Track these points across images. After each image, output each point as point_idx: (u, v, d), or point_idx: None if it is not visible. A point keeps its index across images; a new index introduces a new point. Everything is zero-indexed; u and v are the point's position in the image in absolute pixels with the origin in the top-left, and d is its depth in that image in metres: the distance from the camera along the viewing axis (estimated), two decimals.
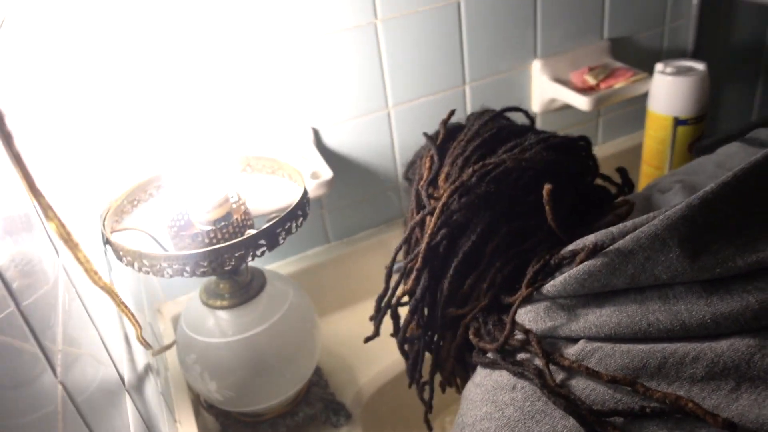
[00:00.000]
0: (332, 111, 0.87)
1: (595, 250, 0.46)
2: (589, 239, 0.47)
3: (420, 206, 0.59)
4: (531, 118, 0.68)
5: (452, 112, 0.64)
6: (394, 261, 0.59)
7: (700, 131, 0.90)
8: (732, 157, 0.60)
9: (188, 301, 0.75)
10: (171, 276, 0.60)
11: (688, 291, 0.43)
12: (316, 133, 0.87)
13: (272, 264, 0.93)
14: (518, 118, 0.66)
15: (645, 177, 0.96)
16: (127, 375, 0.52)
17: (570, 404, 0.41)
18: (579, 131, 1.07)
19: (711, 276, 0.42)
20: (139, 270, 0.61)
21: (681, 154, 0.91)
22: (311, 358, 0.77)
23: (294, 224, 0.64)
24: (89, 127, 0.74)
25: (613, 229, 0.47)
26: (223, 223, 0.65)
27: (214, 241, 0.64)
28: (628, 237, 0.44)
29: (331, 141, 0.89)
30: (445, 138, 0.62)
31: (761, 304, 0.40)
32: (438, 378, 0.64)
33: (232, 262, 0.60)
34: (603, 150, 1.09)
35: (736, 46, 1.12)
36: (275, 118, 0.84)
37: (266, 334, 0.71)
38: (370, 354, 0.88)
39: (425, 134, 0.64)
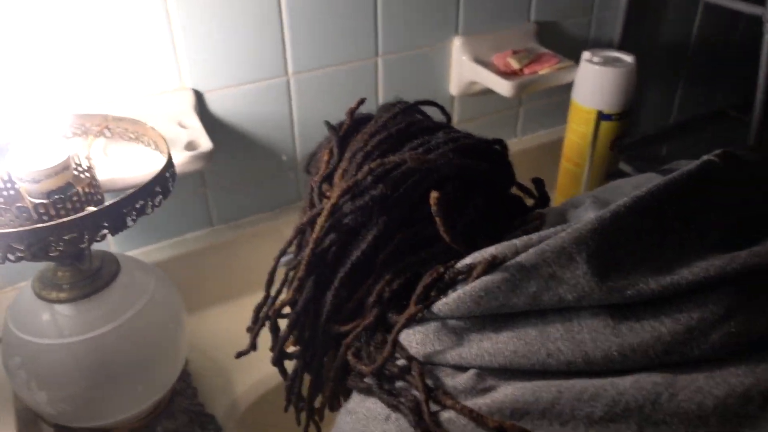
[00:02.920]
0: (219, 72, 0.74)
1: (493, 264, 0.41)
2: (488, 251, 0.43)
3: (312, 205, 0.52)
4: (448, 114, 0.62)
5: (361, 101, 0.56)
6: (276, 266, 0.52)
7: (623, 128, 0.84)
8: (651, 182, 0.55)
9: (20, 291, 0.61)
10: None
11: (593, 317, 0.38)
12: (198, 96, 0.74)
13: (140, 249, 0.79)
14: (435, 114, 0.59)
15: (565, 174, 0.89)
16: None
17: None
18: (499, 119, 1.01)
19: (621, 298, 0.38)
20: None
21: (603, 151, 0.84)
22: (174, 363, 0.65)
23: (149, 203, 0.52)
24: None
25: (517, 241, 0.43)
26: (58, 196, 0.52)
27: (45, 218, 0.51)
28: (531, 250, 0.40)
29: (217, 108, 0.76)
30: (350, 129, 0.55)
31: (674, 336, 0.36)
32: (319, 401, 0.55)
33: (60, 246, 0.47)
34: (522, 143, 1.02)
35: (661, 40, 1.07)
36: (146, 74, 0.70)
37: (115, 334, 0.58)
38: (250, 358, 0.76)
39: (327, 123, 0.56)
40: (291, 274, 0.50)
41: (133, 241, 0.78)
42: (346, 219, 0.47)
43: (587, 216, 0.45)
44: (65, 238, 0.47)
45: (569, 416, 0.36)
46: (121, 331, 0.58)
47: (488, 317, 0.41)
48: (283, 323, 0.51)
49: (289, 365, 0.54)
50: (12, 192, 0.57)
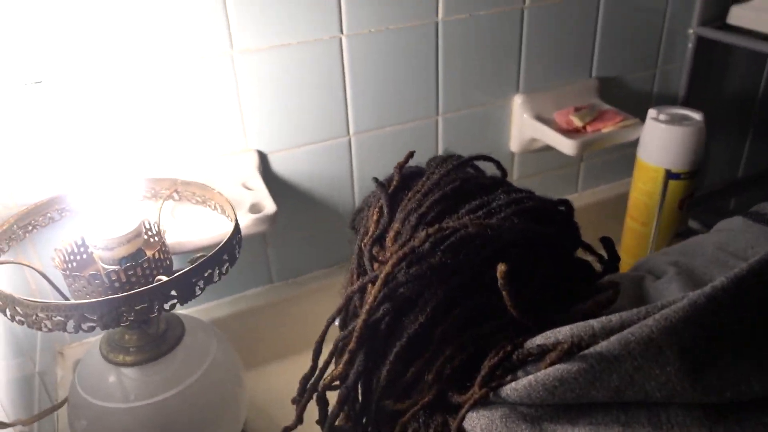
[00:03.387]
0: (282, 134, 0.75)
1: (570, 351, 0.37)
2: (564, 333, 0.39)
3: (361, 269, 0.49)
4: (503, 170, 0.58)
5: (410, 155, 0.54)
6: (324, 335, 0.48)
7: (693, 186, 0.81)
8: (736, 238, 0.51)
9: (87, 351, 0.62)
10: (51, 330, 0.47)
11: (686, 415, 0.35)
12: (262, 157, 0.75)
13: (200, 306, 0.80)
14: (489, 168, 0.56)
15: (630, 233, 0.86)
16: None
17: None
18: (560, 175, 0.99)
19: (718, 400, 0.34)
20: (12, 319, 0.48)
21: (671, 210, 0.82)
22: (234, 424, 0.64)
23: (217, 272, 0.52)
24: None
25: (595, 323, 0.38)
26: (130, 264, 0.53)
27: (116, 285, 0.52)
28: (614, 339, 0.36)
29: (280, 168, 0.77)
30: (400, 186, 0.52)
31: None
32: None
33: (131, 316, 0.48)
34: (583, 198, 1.00)
35: (728, 95, 1.04)
36: (213, 137, 0.72)
37: (179, 398, 0.58)
38: (309, 417, 0.76)
39: (375, 179, 0.54)
40: (340, 344, 0.46)
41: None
42: (401, 288, 0.44)
43: (672, 291, 0.42)
44: (137, 308, 0.47)
45: None
46: (185, 394, 0.58)
47: (562, 406, 0.38)
48: (331, 395, 0.47)
49: None
50: (85, 256, 0.58)
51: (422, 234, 0.44)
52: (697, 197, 0.97)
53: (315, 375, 0.48)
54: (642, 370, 0.35)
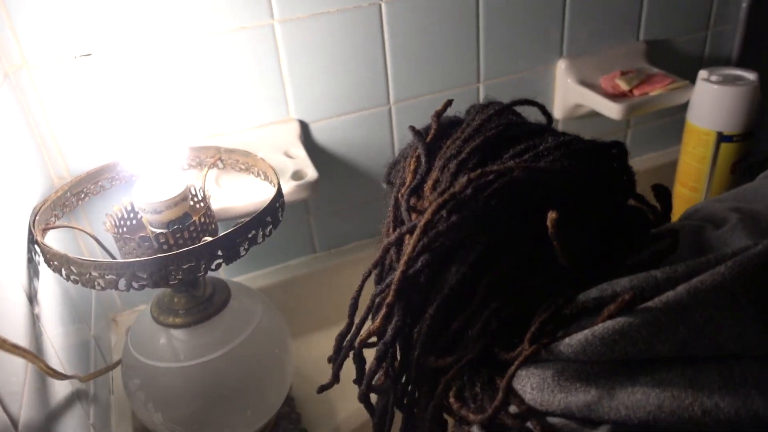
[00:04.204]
0: (324, 103, 0.75)
1: (632, 302, 0.34)
2: (622, 284, 0.36)
3: (398, 221, 0.46)
4: (548, 114, 0.54)
5: (449, 103, 0.50)
6: (361, 290, 0.46)
7: (746, 149, 0.78)
8: None
9: (139, 315, 0.64)
10: (103, 288, 0.49)
11: (763, 368, 0.32)
12: (304, 127, 0.76)
13: (247, 275, 0.81)
14: (533, 116, 0.53)
15: (679, 200, 0.84)
16: (27, 414, 0.41)
17: None
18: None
19: None
20: (68, 278, 0.50)
21: (723, 175, 0.79)
22: (280, 388, 0.66)
23: (261, 233, 0.53)
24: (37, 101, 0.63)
25: (657, 273, 0.35)
26: (177, 226, 0.54)
27: (165, 247, 0.53)
28: (681, 288, 0.33)
29: (321, 137, 0.77)
30: (438, 135, 0.49)
31: None
32: None
33: (179, 275, 0.49)
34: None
35: None
36: (256, 107, 0.72)
37: (226, 359, 0.60)
38: (352, 385, 0.76)
39: (412, 128, 0.50)
40: (377, 300, 0.44)
41: (239, 268, 0.81)
42: (441, 238, 0.41)
43: (737, 240, 0.38)
44: (184, 266, 0.49)
45: None
46: (232, 355, 0.60)
47: (621, 361, 0.35)
48: (368, 354, 0.46)
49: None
50: (134, 222, 0.60)
51: (463, 180, 0.41)
52: (750, 162, 0.93)
53: (351, 332, 0.46)
54: (713, 321, 0.32)
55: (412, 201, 0.46)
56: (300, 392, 0.77)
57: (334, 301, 0.85)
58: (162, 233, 0.53)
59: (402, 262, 0.41)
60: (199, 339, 0.60)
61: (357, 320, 0.45)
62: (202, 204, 0.60)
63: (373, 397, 0.48)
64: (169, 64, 0.66)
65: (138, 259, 0.48)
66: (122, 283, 0.49)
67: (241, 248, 0.52)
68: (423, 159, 0.47)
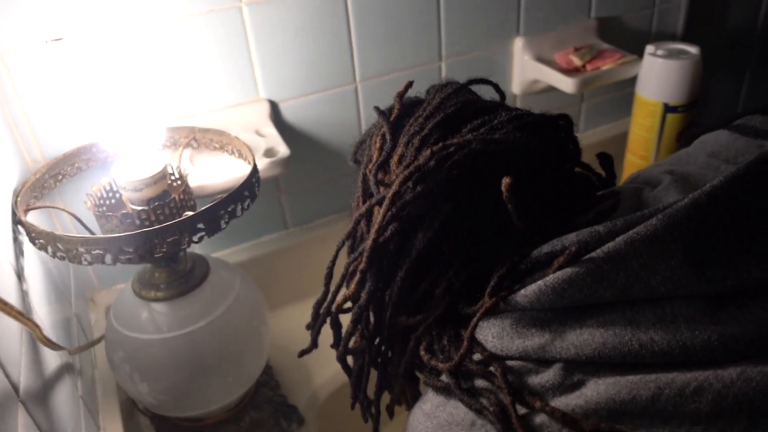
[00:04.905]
0: (292, 83, 0.78)
1: (578, 254, 0.38)
2: (570, 239, 0.40)
3: (367, 195, 0.49)
4: (501, 92, 0.57)
5: (409, 84, 0.54)
6: (335, 259, 0.49)
7: (690, 119, 0.84)
8: (727, 147, 0.51)
9: (120, 291, 0.66)
10: (90, 263, 0.51)
11: (689, 306, 0.35)
12: (273, 106, 0.78)
13: (222, 251, 0.84)
14: (488, 94, 0.56)
15: (630, 167, 0.89)
16: (26, 382, 0.43)
17: None
18: None
19: (720, 289, 0.35)
20: (54, 255, 0.52)
21: (669, 143, 0.84)
22: (259, 357, 0.69)
23: (239, 206, 0.56)
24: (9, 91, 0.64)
25: (600, 227, 0.39)
26: (157, 203, 0.56)
27: (146, 223, 0.56)
28: (619, 239, 0.37)
29: (290, 116, 0.80)
30: (401, 114, 0.51)
31: None
32: (386, 398, 0.54)
33: (163, 248, 0.52)
34: (585, 138, 1.02)
35: (726, 31, 1.06)
36: (226, 88, 0.74)
37: (207, 330, 0.62)
38: (327, 352, 0.80)
39: (376, 108, 0.53)
40: (351, 267, 0.47)
41: (215, 245, 0.83)
42: (408, 207, 0.44)
43: (670, 197, 0.42)
44: (168, 240, 0.51)
45: (672, 414, 0.33)
46: (212, 326, 0.63)
47: (570, 308, 0.38)
48: (344, 319, 0.49)
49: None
50: (114, 201, 0.62)
51: (427, 153, 0.44)
52: (695, 133, 0.99)
53: (327, 299, 0.49)
54: (648, 267, 0.36)
55: (380, 175, 0.48)
56: (277, 361, 0.80)
57: (307, 275, 0.89)
58: (144, 210, 0.55)
59: (372, 231, 0.44)
60: (180, 311, 0.62)
61: (332, 288, 0.48)
62: (179, 182, 0.62)
63: (350, 360, 0.52)
64: (139, 47, 0.68)
65: (125, 234, 0.50)
66: (109, 257, 0.51)
67: (222, 221, 0.54)
68: (388, 136, 0.49)
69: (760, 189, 0.37)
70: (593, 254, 0.37)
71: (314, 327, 0.49)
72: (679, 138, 0.84)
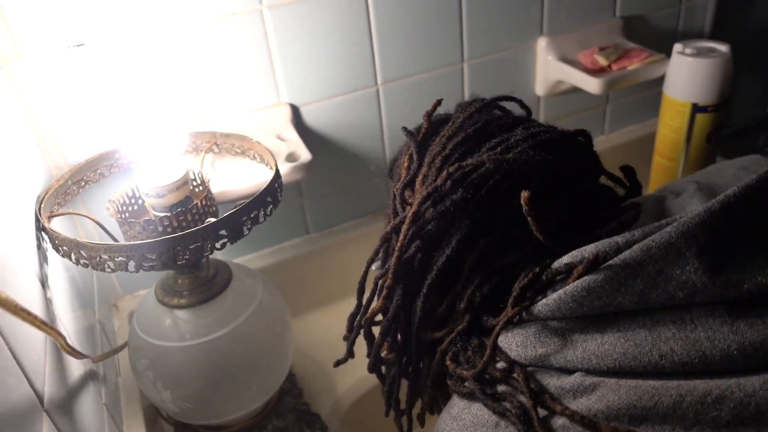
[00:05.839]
0: (313, 86, 0.77)
1: (596, 263, 0.39)
2: (589, 249, 0.41)
3: (395, 213, 0.51)
4: (527, 108, 0.59)
5: (438, 103, 0.55)
6: (366, 274, 0.52)
7: (720, 120, 0.82)
8: (758, 163, 0.52)
9: (143, 298, 0.66)
10: (113, 270, 0.51)
11: (709, 315, 0.36)
12: (295, 110, 0.77)
13: (243, 257, 0.83)
14: (516, 109, 0.57)
15: (658, 170, 0.87)
16: (50, 391, 0.42)
17: None
18: (586, 117, 1.00)
19: (737, 294, 0.36)
20: (77, 262, 0.52)
21: (698, 144, 0.82)
22: (282, 365, 0.68)
23: (262, 212, 0.55)
24: (31, 94, 0.64)
25: (618, 238, 0.40)
26: (180, 209, 0.56)
27: (169, 230, 0.55)
28: (636, 247, 0.38)
29: (312, 120, 0.79)
30: (428, 133, 0.54)
31: None
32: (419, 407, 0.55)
33: (186, 255, 0.51)
34: (611, 140, 1.00)
35: (754, 28, 1.03)
36: (247, 92, 0.74)
37: (230, 337, 0.62)
38: (351, 360, 0.79)
39: (404, 129, 0.55)
40: (380, 282, 0.49)
41: (236, 251, 0.83)
42: (428, 226, 0.47)
43: (692, 206, 0.43)
44: (191, 247, 0.50)
45: (693, 421, 0.33)
46: (235, 334, 0.62)
47: (591, 317, 0.39)
48: (377, 330, 0.51)
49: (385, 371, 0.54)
50: (136, 207, 0.62)
51: (444, 174, 0.46)
52: (725, 134, 0.97)
53: (360, 312, 0.51)
54: (664, 273, 0.37)
55: (406, 194, 0.51)
56: (300, 369, 0.80)
57: (329, 280, 0.88)
58: (166, 216, 0.55)
59: (396, 248, 0.47)
60: (203, 319, 0.62)
61: (364, 302, 0.51)
62: (201, 188, 0.62)
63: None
64: (160, 52, 0.67)
65: (147, 241, 0.50)
66: (132, 264, 0.50)
67: (245, 228, 0.54)
68: (415, 156, 0.52)
69: None
70: (611, 262, 0.38)
71: (350, 338, 0.52)
72: (709, 139, 0.82)
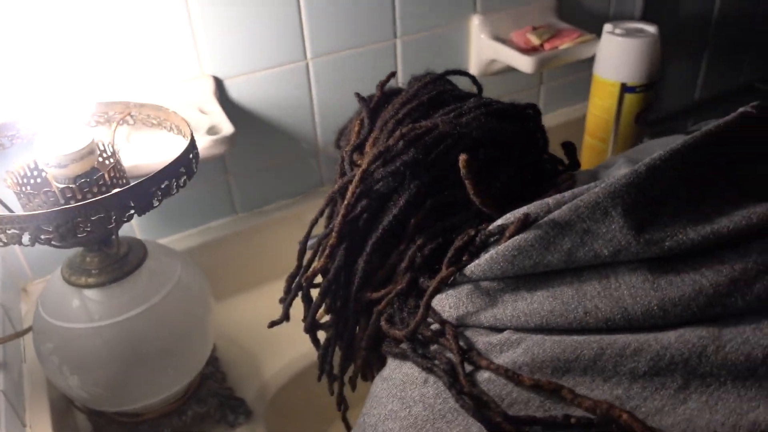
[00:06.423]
0: (238, 59, 0.74)
1: (526, 222, 0.40)
2: (520, 211, 0.42)
3: (343, 174, 0.51)
4: (479, 84, 0.61)
5: (392, 75, 0.56)
6: (308, 235, 0.52)
7: (648, 100, 0.82)
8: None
9: (49, 278, 0.62)
10: (5, 244, 0.47)
11: (632, 273, 0.37)
12: (218, 83, 0.74)
13: (167, 237, 0.79)
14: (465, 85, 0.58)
15: (588, 150, 0.88)
16: None
17: (480, 408, 0.36)
18: (520, 99, 0.97)
19: (659, 251, 0.37)
20: None
21: (627, 124, 0.83)
22: (202, 348, 0.65)
23: (174, 183, 0.52)
24: None
25: (549, 199, 0.42)
26: (84, 180, 0.52)
27: (72, 201, 0.51)
28: (565, 207, 0.39)
29: (237, 94, 0.76)
30: (381, 102, 0.54)
31: (716, 289, 0.35)
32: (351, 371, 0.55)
33: (88, 227, 0.47)
34: (545, 121, 1.00)
35: (684, 13, 1.05)
36: (167, 63, 0.70)
37: (144, 318, 0.58)
38: (278, 343, 0.77)
39: (357, 95, 0.56)
40: (323, 242, 0.49)
41: (159, 231, 0.79)
42: (377, 185, 0.47)
43: (621, 172, 0.44)
44: (93, 218, 0.47)
45: (612, 372, 0.35)
46: (150, 314, 0.59)
47: (522, 277, 0.40)
48: (316, 294, 0.51)
49: (321, 336, 0.54)
50: (39, 180, 0.57)
51: (397, 134, 0.46)
52: (653, 120, 0.98)
53: (299, 273, 0.51)
54: (590, 231, 0.38)
55: (355, 157, 0.51)
56: (225, 353, 0.76)
57: (257, 262, 0.85)
58: (68, 188, 0.51)
59: (342, 206, 0.47)
60: (114, 299, 0.58)
61: (305, 263, 0.51)
62: (111, 160, 0.58)
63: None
64: (70, 16, 0.63)
65: (42, 211, 0.46)
66: (26, 237, 0.46)
67: (155, 199, 0.50)
68: (366, 121, 0.52)
69: (694, 162, 0.39)
70: (540, 221, 0.39)
71: (286, 300, 0.52)
72: (638, 119, 0.83)
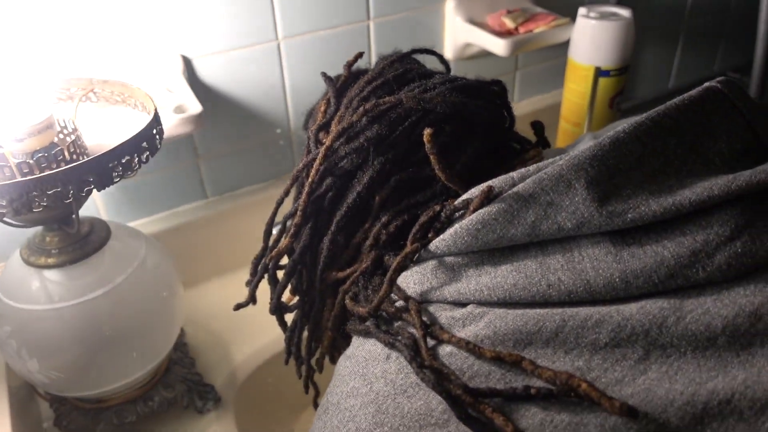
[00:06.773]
0: (208, 37, 0.72)
1: (489, 194, 0.40)
2: (485, 185, 0.41)
3: (309, 152, 0.51)
4: (446, 63, 0.60)
5: (359, 55, 0.55)
6: (274, 216, 0.51)
7: (622, 84, 0.82)
8: None
9: (8, 259, 0.60)
10: None
11: (594, 246, 0.37)
12: (187, 62, 0.72)
13: (136, 221, 0.78)
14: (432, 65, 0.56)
15: (563, 134, 0.87)
16: None
17: (440, 380, 0.35)
18: None
19: (622, 223, 0.36)
20: None
21: (602, 109, 0.83)
22: (168, 332, 0.63)
23: (136, 158, 0.50)
24: None
25: (514, 174, 0.41)
26: (42, 154, 0.50)
27: (28, 176, 0.49)
28: (528, 180, 0.39)
29: (206, 74, 0.74)
30: (348, 82, 0.53)
31: (677, 260, 0.35)
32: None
33: (44, 201, 0.45)
34: (520, 108, 1.00)
35: (659, 1, 1.05)
36: (133, 40, 0.68)
37: (106, 299, 0.57)
38: (249, 329, 0.75)
39: (324, 74, 0.54)
40: (288, 222, 0.48)
41: (127, 215, 0.77)
42: (341, 162, 0.46)
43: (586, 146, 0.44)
44: (49, 192, 0.45)
45: (574, 344, 0.34)
46: (112, 296, 0.57)
47: (486, 252, 0.40)
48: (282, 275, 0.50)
49: (289, 319, 0.53)
50: None
51: (360, 110, 0.45)
52: (627, 108, 0.98)
53: (265, 254, 0.50)
54: (554, 204, 0.37)
55: (321, 136, 0.50)
56: (194, 339, 0.75)
57: (228, 247, 0.83)
58: (25, 162, 0.49)
59: (307, 184, 0.46)
60: (75, 280, 0.56)
61: (271, 244, 0.50)
62: (72, 136, 0.56)
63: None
64: None
65: None
66: None
67: (114, 174, 0.49)
68: (333, 100, 0.51)
69: (658, 136, 0.39)
70: (504, 195, 0.39)
71: (253, 282, 0.51)
72: (612, 104, 0.83)
